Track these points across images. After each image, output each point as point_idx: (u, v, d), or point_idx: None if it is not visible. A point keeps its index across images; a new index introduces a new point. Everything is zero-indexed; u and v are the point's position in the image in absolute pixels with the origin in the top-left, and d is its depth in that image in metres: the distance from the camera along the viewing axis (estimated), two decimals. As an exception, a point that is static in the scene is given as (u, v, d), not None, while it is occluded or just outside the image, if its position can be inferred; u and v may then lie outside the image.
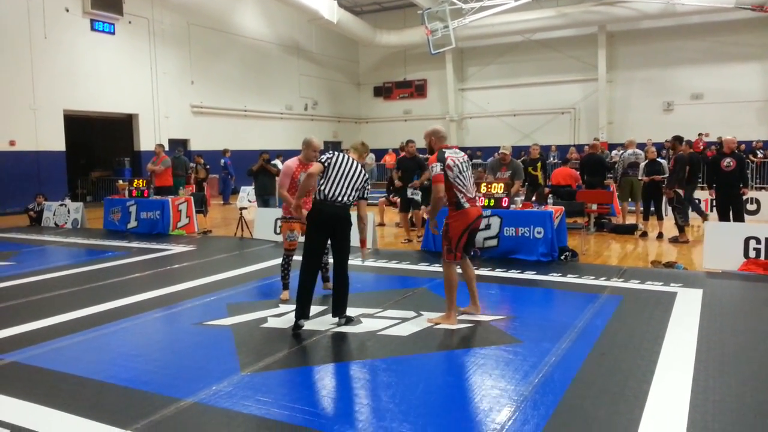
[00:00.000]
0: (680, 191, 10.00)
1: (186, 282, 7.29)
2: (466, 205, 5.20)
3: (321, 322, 5.40)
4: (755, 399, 3.70)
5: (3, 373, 4.35)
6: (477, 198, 5.39)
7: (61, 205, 13.95)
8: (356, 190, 5.17)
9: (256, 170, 12.26)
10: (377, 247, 9.60)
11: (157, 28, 19.88)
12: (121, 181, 14.28)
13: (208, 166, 18.55)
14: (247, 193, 16.26)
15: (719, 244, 7.65)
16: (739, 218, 9.40)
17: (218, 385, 3.97)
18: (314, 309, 5.41)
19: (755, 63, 21.85)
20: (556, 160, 21.51)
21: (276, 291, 6.57)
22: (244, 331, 5.25)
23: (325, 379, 4.19)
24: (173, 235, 11.62)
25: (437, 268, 7.19)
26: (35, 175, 16.73)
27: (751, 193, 12.46)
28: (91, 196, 19.88)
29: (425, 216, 7.21)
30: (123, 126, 19.94)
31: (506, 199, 8.53)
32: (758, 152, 19.72)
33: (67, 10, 17.37)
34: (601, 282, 6.94)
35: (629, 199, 11.63)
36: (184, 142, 21.02)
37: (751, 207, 12.27)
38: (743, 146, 16.68)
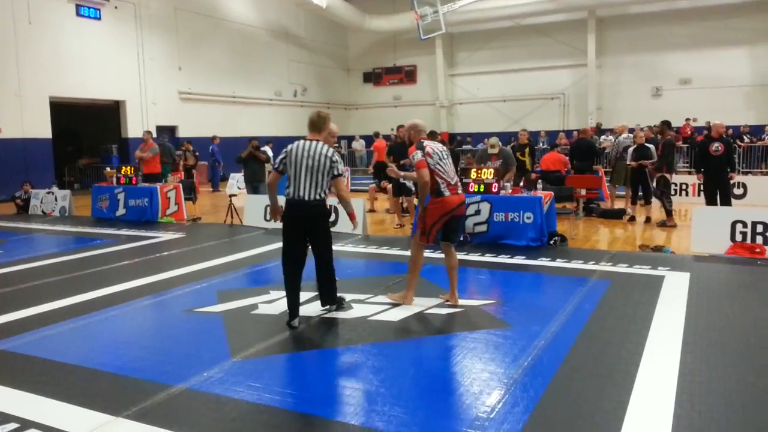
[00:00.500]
0: (668, 175, 10.07)
1: (176, 269, 7.27)
2: (447, 193, 5.26)
3: (311, 308, 5.40)
4: (741, 380, 3.76)
5: (-8, 362, 4.33)
6: (459, 185, 5.40)
7: (48, 192, 13.83)
8: (324, 177, 4.83)
9: (245, 157, 12.21)
10: (368, 233, 9.60)
11: (144, 13, 19.62)
12: (108, 169, 14.16)
13: (197, 153, 18.43)
14: (236, 180, 16.19)
15: (706, 228, 7.72)
16: (726, 202, 9.48)
17: (209, 372, 3.98)
18: (305, 296, 5.41)
19: (743, 48, 21.91)
20: (545, 146, 21.57)
21: (265, 278, 6.57)
22: (235, 317, 5.25)
23: (317, 364, 4.20)
24: (162, 222, 11.56)
25: (428, 253, 7.21)
26: (21, 162, 16.54)
27: (738, 178, 12.56)
28: (78, 184, 19.71)
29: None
30: (110, 113, 19.73)
31: (496, 184, 8.56)
32: (745, 137, 19.85)
33: (52, -5, 17.13)
34: (590, 266, 6.99)
35: (623, 184, 11.63)
36: (172, 129, 20.87)
37: (737, 191, 12.37)
38: (730, 131, 16.78)
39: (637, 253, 7.93)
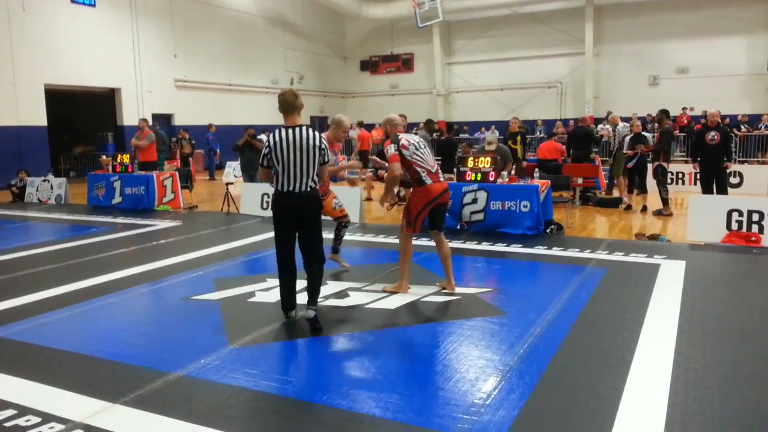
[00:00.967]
0: (665, 164, 10.08)
1: (172, 257, 7.26)
2: (429, 181, 5.28)
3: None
4: (736, 368, 3.78)
5: (-11, 349, 4.33)
6: (440, 173, 5.44)
7: (44, 180, 13.78)
8: (314, 167, 4.53)
9: (241, 146, 12.18)
10: (365, 222, 9.61)
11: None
12: (104, 157, 14.11)
13: (193, 141, 18.36)
14: (233, 169, 16.15)
15: (702, 216, 7.74)
16: (722, 191, 9.51)
17: (206, 359, 3.99)
18: (302, 284, 5.40)
19: (740, 37, 21.89)
20: (542, 135, 21.55)
21: (262, 266, 6.57)
22: (232, 305, 5.26)
23: (313, 351, 4.21)
24: (159, 210, 11.53)
25: (424, 242, 7.22)
26: (17, 150, 16.47)
27: (734, 167, 12.57)
28: (74, 172, 19.64)
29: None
30: (105, 101, 19.64)
31: (493, 173, 8.56)
32: (742, 126, 19.86)
33: (46, -19, 16.98)
34: (586, 254, 7.01)
35: (625, 175, 11.62)
36: (168, 117, 20.79)
37: (734, 180, 12.39)
38: (727, 120, 16.80)
39: (633, 241, 7.95)
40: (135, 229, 9.54)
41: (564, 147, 12.69)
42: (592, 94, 24.21)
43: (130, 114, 19.30)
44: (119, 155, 12.63)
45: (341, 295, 5.50)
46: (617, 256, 6.89)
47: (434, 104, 27.45)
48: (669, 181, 10.72)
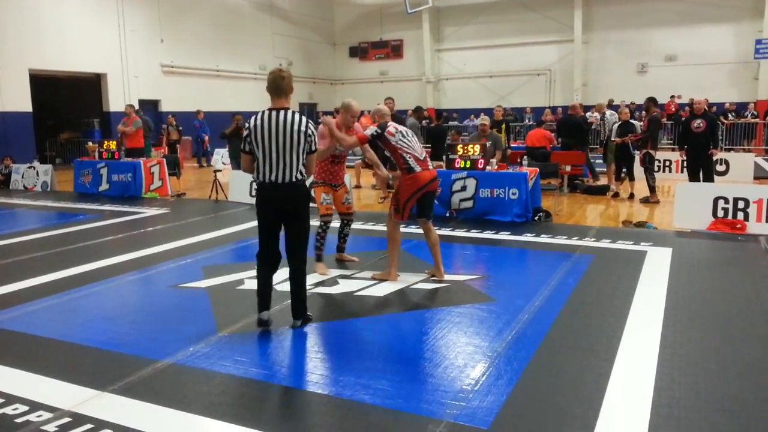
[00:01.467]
0: (652, 152, 10.14)
1: (160, 245, 7.22)
2: (417, 169, 5.29)
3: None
4: (721, 353, 3.83)
5: (-25, 337, 4.30)
6: (428, 160, 5.46)
7: (29, 167, 13.63)
8: (300, 155, 4.09)
9: (229, 133, 12.10)
10: (354, 209, 9.57)
11: (124, -17, 19.22)
12: (90, 143, 13.96)
13: (180, 128, 18.20)
14: (221, 156, 16.04)
15: (689, 204, 7.80)
16: (708, 179, 9.58)
17: (195, 346, 3.98)
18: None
19: (728, 25, 21.96)
20: (531, 122, 21.58)
21: (251, 254, 6.53)
22: (221, 293, 5.25)
23: (303, 339, 4.22)
24: (146, 197, 11.46)
25: (413, 229, 7.23)
26: (2, 136, 16.25)
27: (720, 154, 12.67)
28: (60, 159, 19.43)
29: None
30: (91, 86, 19.39)
31: (482, 161, 8.58)
32: (729, 114, 19.99)
33: (29, -36, 16.67)
34: (574, 242, 7.06)
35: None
36: (155, 103, 20.57)
37: (720, 168, 12.48)
38: (714, 108, 16.89)
39: (620, 228, 8.01)
40: (122, 216, 9.47)
41: (553, 135, 12.72)
42: (580, 81, 24.25)
43: (116, 100, 19.07)
44: (106, 142, 12.51)
45: (331, 282, 5.50)
46: (604, 243, 6.95)
47: (423, 91, 27.37)
48: (656, 168, 10.78)
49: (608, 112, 12.77)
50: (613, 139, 10.83)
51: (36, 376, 3.58)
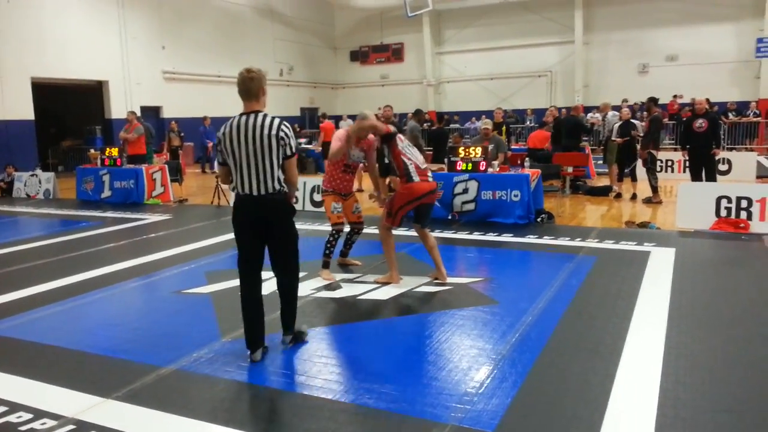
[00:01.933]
0: (654, 152, 10.12)
1: (163, 251, 7.23)
2: (416, 179, 5.29)
3: (302, 288, 5.39)
4: (725, 354, 3.82)
5: (-21, 345, 4.30)
6: (428, 171, 5.47)
7: (32, 175, 13.66)
8: (274, 162, 3.66)
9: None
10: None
11: (125, -10, 19.27)
12: (92, 150, 14.00)
13: (182, 134, 18.22)
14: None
15: (691, 204, 7.79)
16: (711, 178, 9.56)
17: (199, 352, 3.98)
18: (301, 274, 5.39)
19: (729, 24, 21.93)
20: (532, 124, 21.56)
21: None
22: (224, 298, 5.24)
23: (306, 343, 4.21)
24: (148, 204, 11.47)
25: (414, 233, 7.21)
26: (4, 145, 16.28)
27: (722, 154, 12.64)
28: (62, 166, 19.45)
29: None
30: (93, 93, 19.43)
31: (484, 163, 8.57)
32: (730, 114, 19.95)
33: (30, -27, 16.74)
34: (577, 243, 7.04)
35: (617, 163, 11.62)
36: (156, 110, 20.61)
37: (722, 167, 12.46)
38: (716, 107, 16.86)
39: (623, 229, 7.99)
40: (125, 223, 9.48)
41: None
42: (582, 82, 24.22)
43: (118, 107, 19.10)
44: (108, 149, 12.53)
45: (334, 286, 5.49)
46: (607, 244, 6.93)
47: (424, 94, 27.37)
48: (658, 168, 10.77)
49: (611, 113, 12.74)
50: (613, 139, 10.82)
51: (40, 384, 3.58)
